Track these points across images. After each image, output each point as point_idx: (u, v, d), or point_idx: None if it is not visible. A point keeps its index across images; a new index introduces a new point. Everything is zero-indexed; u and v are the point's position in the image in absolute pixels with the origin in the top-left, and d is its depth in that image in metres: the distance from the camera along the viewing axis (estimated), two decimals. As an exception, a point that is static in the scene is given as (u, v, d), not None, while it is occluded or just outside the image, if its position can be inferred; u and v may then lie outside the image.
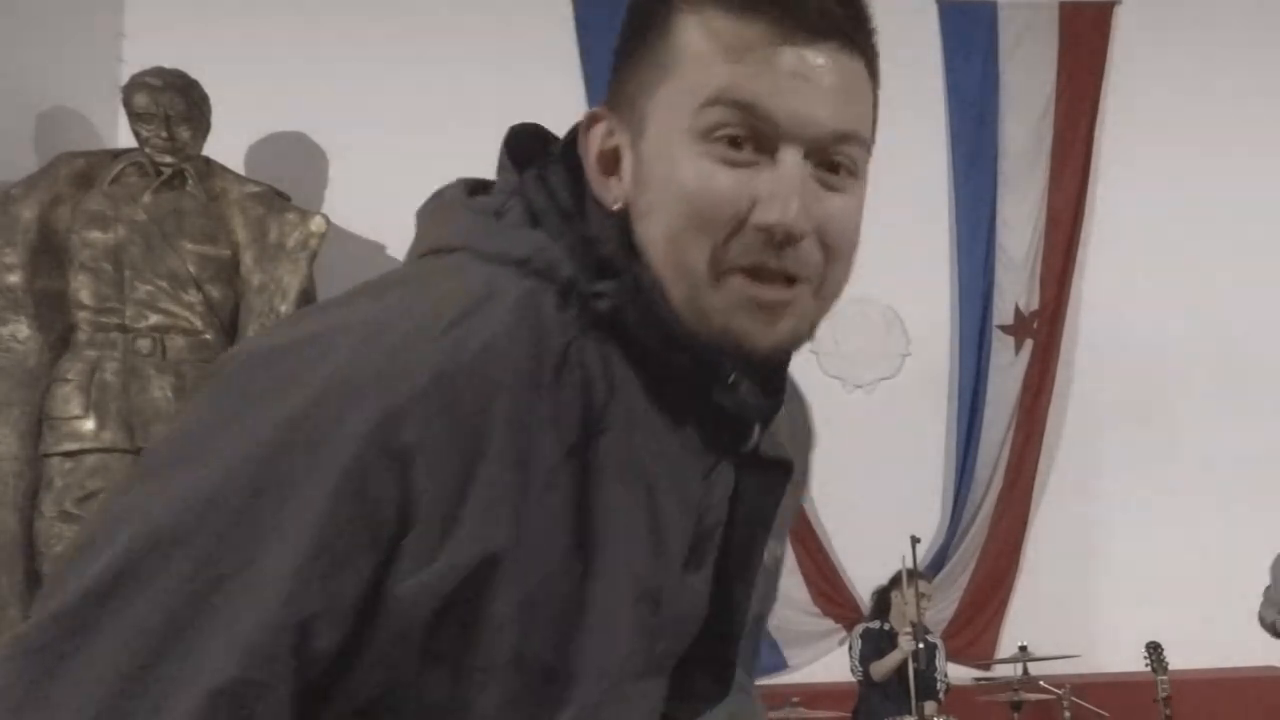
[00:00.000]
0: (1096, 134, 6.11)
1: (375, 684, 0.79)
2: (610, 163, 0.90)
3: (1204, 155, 6.09)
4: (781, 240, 0.84)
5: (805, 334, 0.92)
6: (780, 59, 0.84)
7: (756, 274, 0.85)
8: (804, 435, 1.17)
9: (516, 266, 0.85)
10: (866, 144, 0.93)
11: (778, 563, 1.07)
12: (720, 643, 0.94)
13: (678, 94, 0.85)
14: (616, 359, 0.85)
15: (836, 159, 0.89)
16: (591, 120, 0.91)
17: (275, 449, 0.75)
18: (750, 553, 0.95)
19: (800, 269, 0.87)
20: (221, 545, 0.74)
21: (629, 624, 0.85)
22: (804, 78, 0.85)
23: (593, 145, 0.90)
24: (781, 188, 0.84)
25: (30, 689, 0.72)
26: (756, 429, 0.92)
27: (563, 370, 0.82)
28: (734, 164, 0.84)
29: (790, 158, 0.85)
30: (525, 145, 0.94)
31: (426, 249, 0.91)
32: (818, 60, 0.86)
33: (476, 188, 0.93)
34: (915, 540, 4.69)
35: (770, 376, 0.93)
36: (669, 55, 0.87)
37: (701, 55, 0.85)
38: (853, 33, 0.90)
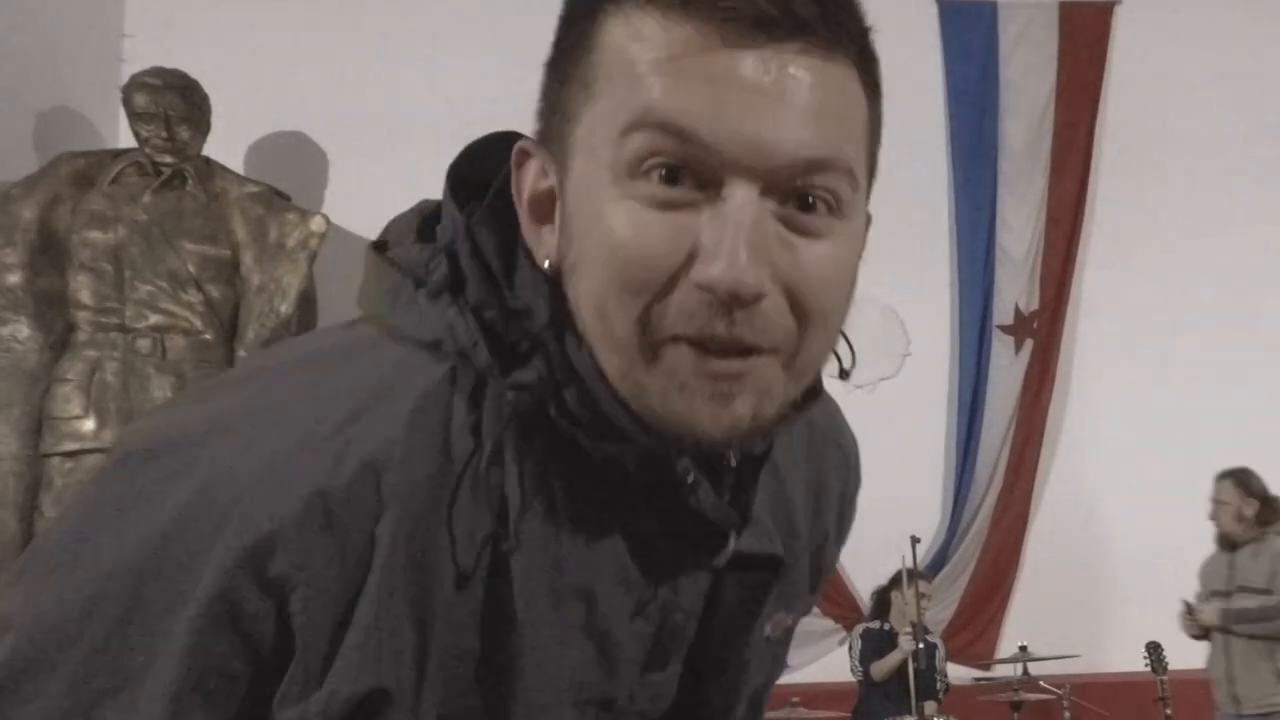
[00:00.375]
0: (1096, 134, 6.11)
1: None
2: (544, 209, 0.72)
3: (1204, 154, 6.10)
4: (727, 301, 0.65)
5: (770, 418, 0.71)
6: (724, 66, 0.65)
7: (702, 344, 0.67)
8: (853, 481, 1.08)
9: (428, 350, 0.71)
10: (851, 173, 0.74)
11: (788, 632, 0.98)
12: None
13: (601, 119, 0.68)
14: (541, 460, 0.71)
15: (810, 194, 0.69)
16: (521, 157, 0.74)
17: (143, 571, 0.67)
18: (730, 651, 0.83)
19: (759, 337, 0.67)
20: (95, 667, 0.66)
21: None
22: (758, 91, 0.65)
23: (524, 188, 0.74)
24: (726, 234, 0.65)
25: None
26: (731, 539, 0.77)
27: (467, 482, 0.69)
28: (668, 205, 0.66)
29: (740, 194, 0.66)
30: (477, 171, 0.78)
31: (350, 318, 0.78)
32: (779, 67, 0.66)
33: (428, 225, 0.78)
34: (915, 540, 4.69)
35: (741, 473, 0.76)
36: (592, 70, 0.69)
37: (626, 67, 0.67)
38: (830, 30, 0.69)
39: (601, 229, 0.67)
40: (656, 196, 0.66)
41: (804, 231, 0.69)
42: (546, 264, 0.71)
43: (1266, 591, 4.41)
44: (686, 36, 0.65)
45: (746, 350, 0.67)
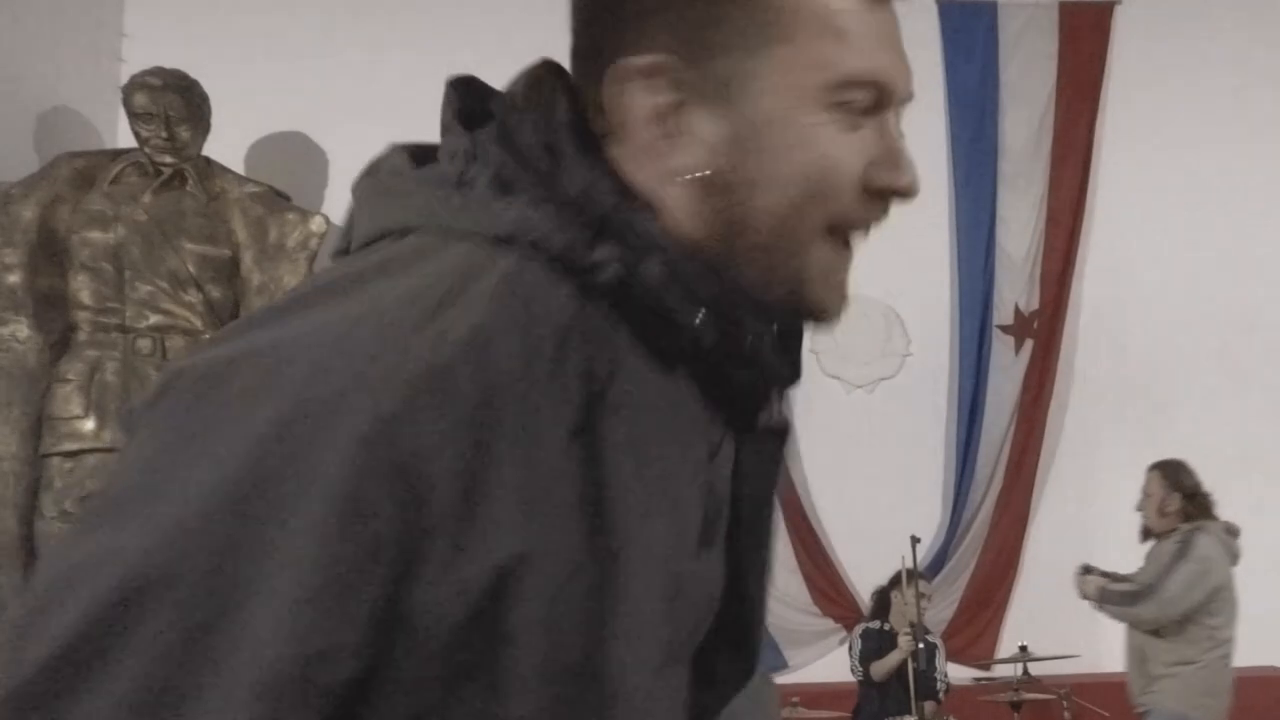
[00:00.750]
0: (1096, 133, 6.11)
1: (400, 714, 0.71)
2: (668, 123, 0.80)
3: (1204, 154, 6.09)
4: (900, 201, 0.85)
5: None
6: (881, 26, 0.82)
7: (848, 239, 0.85)
8: None
9: (494, 243, 0.75)
10: None
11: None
12: (738, 623, 0.89)
13: (797, 64, 0.79)
14: (618, 333, 0.77)
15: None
16: (652, 71, 0.79)
17: (255, 475, 0.65)
18: (760, 526, 0.90)
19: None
20: (211, 586, 0.64)
21: (655, 614, 0.77)
22: (896, 42, 0.83)
23: (643, 101, 0.80)
24: (900, 152, 0.83)
25: None
26: (774, 398, 0.87)
27: (561, 354, 0.73)
28: (854, 128, 0.81)
29: (892, 118, 0.83)
30: (470, 101, 0.83)
31: (376, 232, 0.80)
32: (896, 22, 0.84)
33: (423, 154, 0.83)
34: (915, 540, 4.69)
35: (792, 344, 0.88)
36: (773, 14, 0.79)
37: (821, 19, 0.79)
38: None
39: (814, 150, 0.80)
40: (849, 123, 0.81)
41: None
42: (691, 176, 0.80)
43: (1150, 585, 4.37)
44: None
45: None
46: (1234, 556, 4.30)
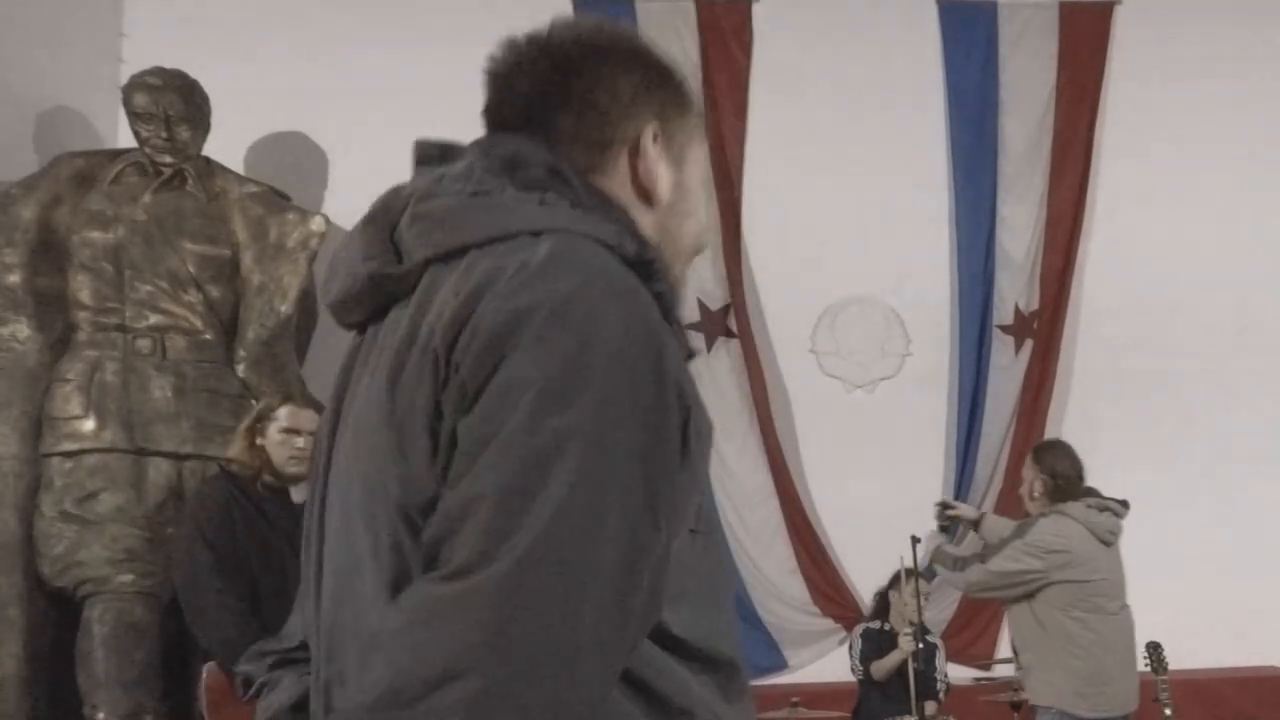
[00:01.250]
0: (1096, 133, 6.11)
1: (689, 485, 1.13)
2: (632, 174, 1.27)
3: (1204, 154, 6.10)
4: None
5: None
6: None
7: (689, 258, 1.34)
8: None
9: (597, 243, 1.13)
10: None
11: None
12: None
13: (700, 157, 1.33)
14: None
15: None
16: (639, 144, 1.26)
17: (646, 418, 1.07)
18: None
19: None
20: (647, 497, 1.05)
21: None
22: None
23: (648, 165, 1.26)
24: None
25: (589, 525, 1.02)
26: None
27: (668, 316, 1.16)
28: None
29: None
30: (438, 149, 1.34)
31: (503, 228, 1.14)
32: None
33: (519, 179, 1.21)
34: (915, 540, 4.68)
35: None
36: (692, 129, 1.31)
37: (698, 144, 1.33)
38: None
39: (700, 209, 1.32)
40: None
41: None
42: (659, 205, 1.27)
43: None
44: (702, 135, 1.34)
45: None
46: (1105, 538, 4.17)
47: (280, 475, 3.58)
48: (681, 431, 1.09)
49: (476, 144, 1.26)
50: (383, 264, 1.19)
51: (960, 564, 4.33)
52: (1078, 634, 4.08)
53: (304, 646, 1.29)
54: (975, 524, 4.64)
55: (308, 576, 1.26)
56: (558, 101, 1.23)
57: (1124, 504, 4.30)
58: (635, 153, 1.24)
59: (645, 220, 1.23)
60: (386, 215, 1.24)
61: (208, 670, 3.41)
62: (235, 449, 3.64)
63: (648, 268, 1.15)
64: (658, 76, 1.26)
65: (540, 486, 1.00)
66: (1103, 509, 4.21)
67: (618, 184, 1.23)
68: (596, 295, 1.06)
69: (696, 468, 1.13)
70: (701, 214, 1.32)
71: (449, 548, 1.01)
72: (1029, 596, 4.17)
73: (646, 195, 1.26)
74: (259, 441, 3.59)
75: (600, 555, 1.01)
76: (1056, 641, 4.10)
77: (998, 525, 4.50)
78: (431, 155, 1.30)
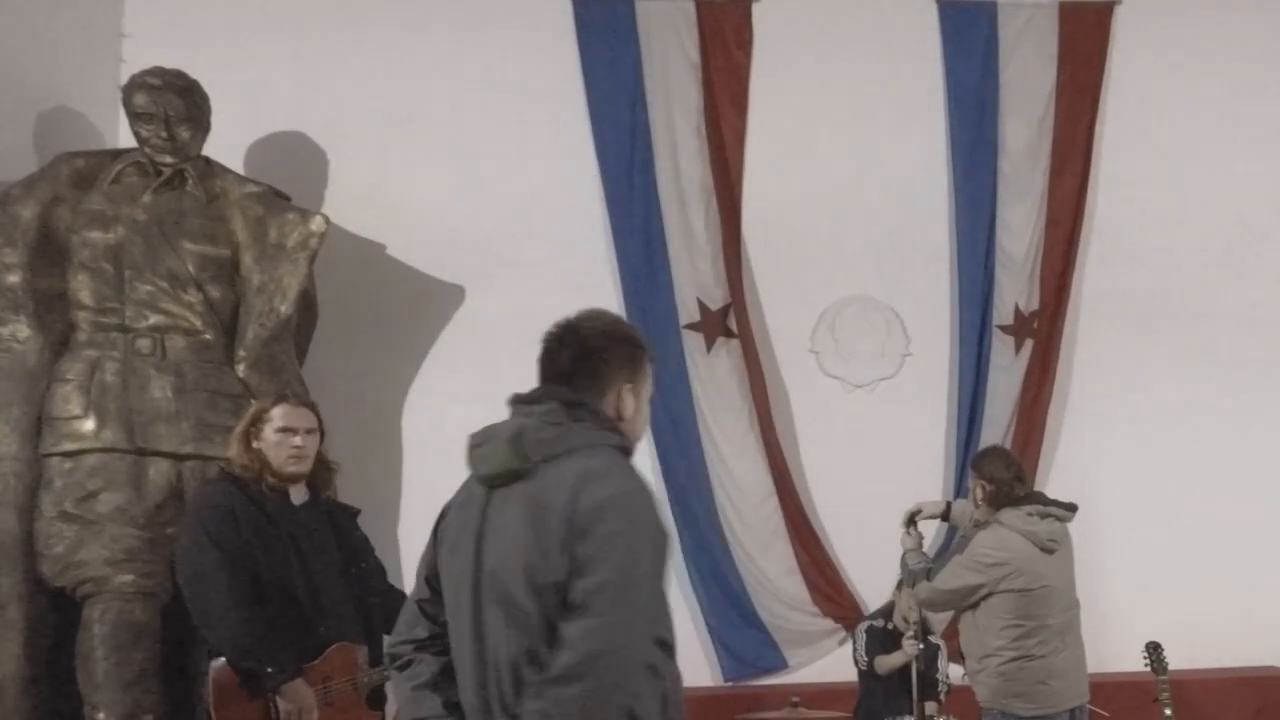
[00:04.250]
0: (1096, 133, 6.10)
1: None
2: (617, 410, 2.27)
3: (1203, 154, 6.10)
4: None
5: None
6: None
7: None
8: None
9: (614, 448, 2.20)
10: None
11: None
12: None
13: (647, 391, 2.32)
14: None
15: None
16: (628, 393, 2.27)
17: (655, 545, 2.14)
18: None
19: None
20: (656, 578, 2.14)
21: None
22: None
23: (622, 400, 2.27)
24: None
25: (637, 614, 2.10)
26: None
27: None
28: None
29: None
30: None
31: (575, 445, 2.16)
32: None
33: (567, 410, 2.22)
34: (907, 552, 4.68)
35: None
36: (645, 373, 2.31)
37: (648, 378, 2.32)
38: None
39: (646, 416, 2.37)
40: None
41: None
42: (623, 421, 2.30)
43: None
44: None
45: None
46: (1046, 545, 4.16)
47: (280, 475, 3.59)
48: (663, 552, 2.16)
49: (547, 393, 2.22)
50: (518, 461, 2.16)
51: (913, 579, 4.37)
52: (1020, 641, 4.14)
53: (434, 638, 2.28)
54: (945, 514, 4.67)
55: (462, 630, 2.18)
56: (585, 369, 2.23)
57: (1069, 507, 4.32)
58: (618, 396, 2.26)
59: (622, 426, 2.26)
60: (512, 435, 2.19)
61: (214, 667, 3.41)
62: (233, 452, 3.63)
63: (628, 451, 2.23)
64: (637, 353, 2.28)
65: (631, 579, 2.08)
66: (1044, 516, 4.22)
67: (609, 409, 2.24)
68: (635, 490, 2.12)
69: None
70: (645, 419, 2.32)
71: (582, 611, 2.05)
72: (973, 606, 4.23)
73: (620, 416, 2.26)
74: (255, 444, 3.59)
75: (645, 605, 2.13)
76: (998, 650, 4.16)
77: (965, 508, 4.53)
78: (522, 399, 2.25)
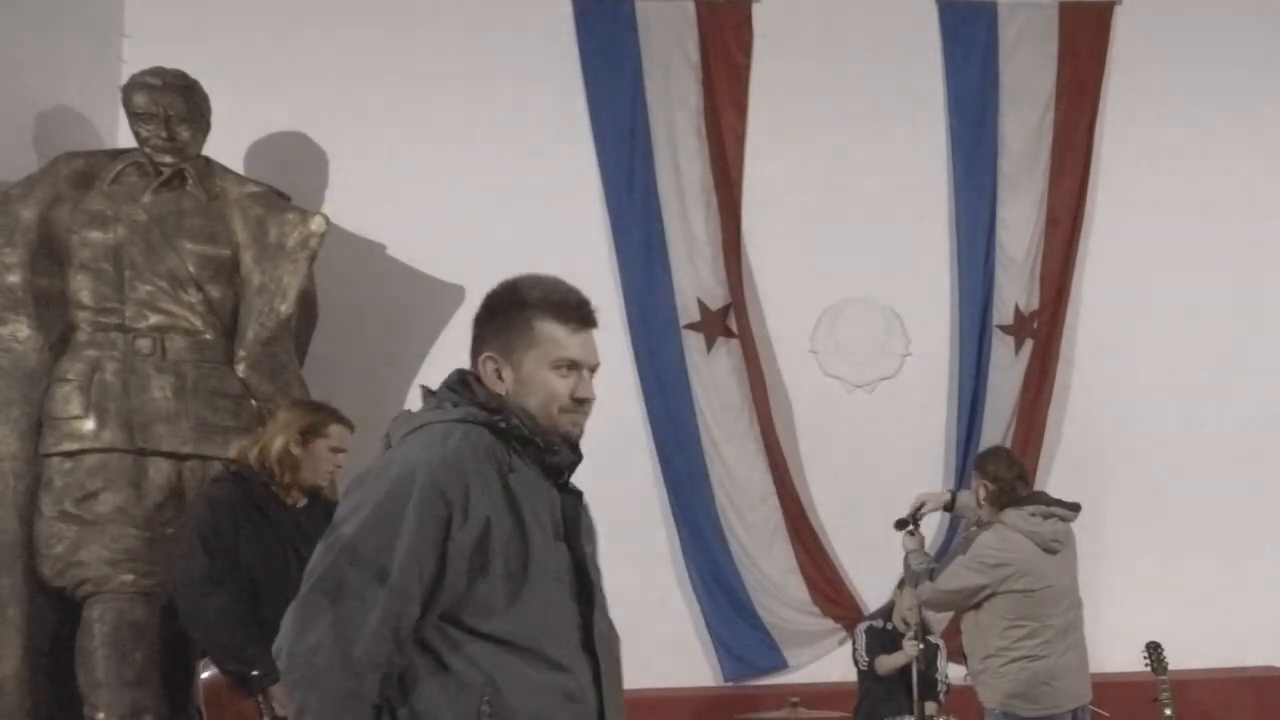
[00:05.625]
0: (1096, 133, 6.11)
1: (451, 594, 1.99)
2: (495, 376, 2.17)
3: (1204, 154, 6.10)
4: (582, 399, 2.18)
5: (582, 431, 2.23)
6: (582, 338, 2.18)
7: (572, 412, 2.17)
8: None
9: (458, 421, 2.08)
10: (597, 367, 2.23)
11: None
12: (580, 566, 2.16)
13: (542, 353, 2.15)
14: (509, 447, 2.10)
15: (593, 372, 2.22)
16: (489, 361, 2.18)
17: (393, 495, 1.98)
18: (578, 535, 2.18)
19: (588, 410, 2.20)
20: (381, 539, 1.96)
21: (546, 552, 2.09)
22: (586, 344, 2.19)
23: (489, 369, 2.18)
24: (584, 384, 2.18)
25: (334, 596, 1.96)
26: (566, 474, 2.19)
27: (487, 454, 2.06)
28: (565, 376, 2.16)
29: (585, 374, 2.19)
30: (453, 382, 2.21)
31: (417, 424, 2.12)
32: (588, 336, 2.20)
33: (430, 394, 2.23)
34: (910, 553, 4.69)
35: (574, 449, 2.21)
36: (532, 335, 2.16)
37: (551, 338, 2.15)
38: (594, 323, 2.21)
39: (547, 385, 2.17)
40: (563, 375, 2.17)
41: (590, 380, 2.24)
42: (503, 391, 2.17)
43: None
44: (568, 330, 2.18)
45: (583, 414, 2.22)
46: (1049, 546, 4.18)
47: (303, 485, 3.69)
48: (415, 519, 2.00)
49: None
50: (384, 447, 2.20)
51: (916, 579, 4.37)
52: (1022, 642, 4.14)
53: None
54: (950, 505, 4.66)
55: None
56: (473, 339, 2.23)
57: (1073, 507, 4.32)
58: (485, 366, 2.18)
59: (506, 399, 2.15)
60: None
61: (203, 666, 3.53)
62: (272, 456, 3.65)
63: (495, 422, 2.09)
64: (514, 317, 2.16)
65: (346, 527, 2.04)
66: (1047, 516, 4.23)
67: (488, 380, 2.17)
68: (399, 460, 2.04)
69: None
70: (540, 392, 2.14)
71: None
72: (976, 607, 4.24)
73: (496, 387, 2.18)
74: (295, 450, 3.65)
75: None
76: (1000, 650, 4.16)
77: (970, 499, 4.53)
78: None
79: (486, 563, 2.00)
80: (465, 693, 1.97)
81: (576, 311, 2.17)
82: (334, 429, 3.72)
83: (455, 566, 1.97)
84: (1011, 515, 4.20)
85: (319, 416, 3.76)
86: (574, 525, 2.16)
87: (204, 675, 3.45)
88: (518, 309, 2.16)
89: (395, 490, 1.96)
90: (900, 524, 4.49)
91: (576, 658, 2.09)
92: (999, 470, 4.29)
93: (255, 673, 3.43)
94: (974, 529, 4.40)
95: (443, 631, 1.99)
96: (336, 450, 3.73)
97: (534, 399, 2.13)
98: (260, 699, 3.45)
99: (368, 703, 1.92)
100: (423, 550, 1.94)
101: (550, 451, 2.13)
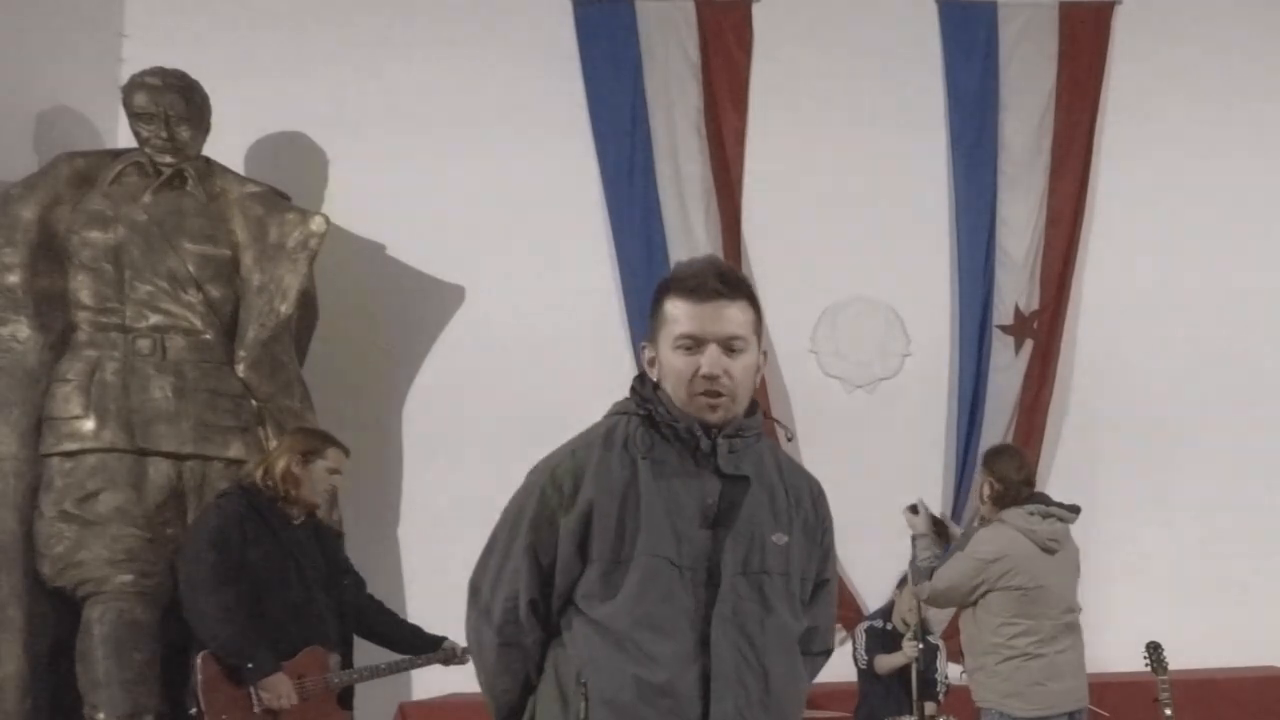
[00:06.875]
0: (1096, 134, 6.10)
1: (568, 576, 2.06)
2: (650, 365, 2.14)
3: (1204, 154, 6.10)
4: (710, 379, 2.04)
5: (731, 415, 2.08)
6: (698, 310, 2.05)
7: (705, 393, 2.05)
8: (817, 492, 2.27)
9: (614, 414, 2.16)
10: (744, 337, 2.07)
11: (790, 548, 2.14)
12: (715, 555, 2.05)
13: (668, 334, 2.08)
14: (651, 433, 2.08)
15: (732, 345, 2.06)
16: (645, 349, 2.17)
17: (525, 486, 2.13)
18: (731, 518, 2.07)
19: (721, 389, 2.05)
20: (508, 525, 2.12)
21: (670, 539, 2.02)
22: (707, 315, 2.05)
23: (646, 358, 2.16)
24: (707, 360, 2.04)
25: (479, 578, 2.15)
26: (722, 458, 2.08)
27: (620, 443, 2.08)
28: (688, 354, 2.06)
29: (710, 348, 2.05)
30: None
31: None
32: (714, 308, 2.05)
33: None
34: (916, 540, 4.68)
35: (725, 433, 2.10)
36: (661, 317, 2.10)
37: (673, 317, 2.07)
38: (730, 292, 2.06)
39: (673, 365, 2.08)
40: (686, 353, 2.07)
41: (732, 355, 2.06)
42: (655, 379, 2.13)
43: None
44: (687, 304, 2.06)
45: (717, 394, 2.06)
46: (1046, 545, 4.18)
47: (304, 502, 4.02)
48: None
49: None
50: None
51: (919, 576, 4.38)
52: (1016, 640, 4.14)
53: None
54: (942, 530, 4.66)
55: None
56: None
57: (1072, 509, 4.33)
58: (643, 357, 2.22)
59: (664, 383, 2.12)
60: None
61: (201, 658, 3.77)
62: (276, 474, 3.99)
63: (646, 407, 2.10)
64: (651, 307, 2.14)
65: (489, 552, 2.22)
66: (1046, 516, 4.24)
67: (649, 372, 2.16)
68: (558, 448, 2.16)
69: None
70: (671, 375, 2.08)
71: None
72: (973, 604, 4.25)
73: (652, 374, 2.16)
74: (295, 470, 3.99)
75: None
76: (996, 647, 4.17)
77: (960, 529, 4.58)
78: None
79: (590, 547, 2.02)
80: (569, 668, 2.03)
81: (694, 281, 2.06)
82: (330, 452, 4.10)
83: (565, 550, 2.02)
84: (1011, 513, 4.23)
85: (318, 441, 4.13)
86: (730, 513, 2.06)
87: (200, 662, 3.80)
88: (657, 292, 2.12)
89: (526, 483, 2.10)
90: (912, 509, 4.51)
91: (680, 651, 1.99)
92: (1006, 471, 4.30)
93: (249, 666, 3.73)
94: (974, 525, 4.40)
95: (569, 610, 2.06)
96: (333, 471, 4.09)
97: (669, 383, 2.08)
98: (252, 690, 3.76)
99: (506, 672, 2.10)
100: (537, 536, 2.04)
101: (690, 437, 2.05)
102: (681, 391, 2.05)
